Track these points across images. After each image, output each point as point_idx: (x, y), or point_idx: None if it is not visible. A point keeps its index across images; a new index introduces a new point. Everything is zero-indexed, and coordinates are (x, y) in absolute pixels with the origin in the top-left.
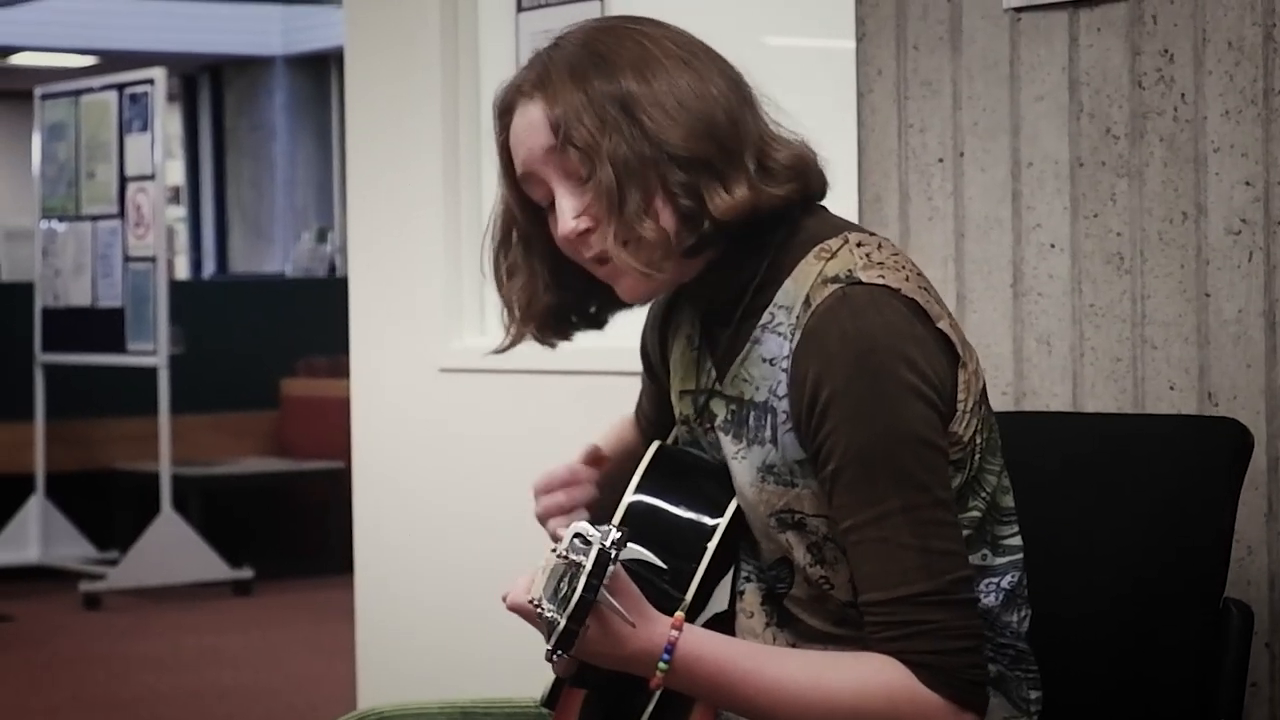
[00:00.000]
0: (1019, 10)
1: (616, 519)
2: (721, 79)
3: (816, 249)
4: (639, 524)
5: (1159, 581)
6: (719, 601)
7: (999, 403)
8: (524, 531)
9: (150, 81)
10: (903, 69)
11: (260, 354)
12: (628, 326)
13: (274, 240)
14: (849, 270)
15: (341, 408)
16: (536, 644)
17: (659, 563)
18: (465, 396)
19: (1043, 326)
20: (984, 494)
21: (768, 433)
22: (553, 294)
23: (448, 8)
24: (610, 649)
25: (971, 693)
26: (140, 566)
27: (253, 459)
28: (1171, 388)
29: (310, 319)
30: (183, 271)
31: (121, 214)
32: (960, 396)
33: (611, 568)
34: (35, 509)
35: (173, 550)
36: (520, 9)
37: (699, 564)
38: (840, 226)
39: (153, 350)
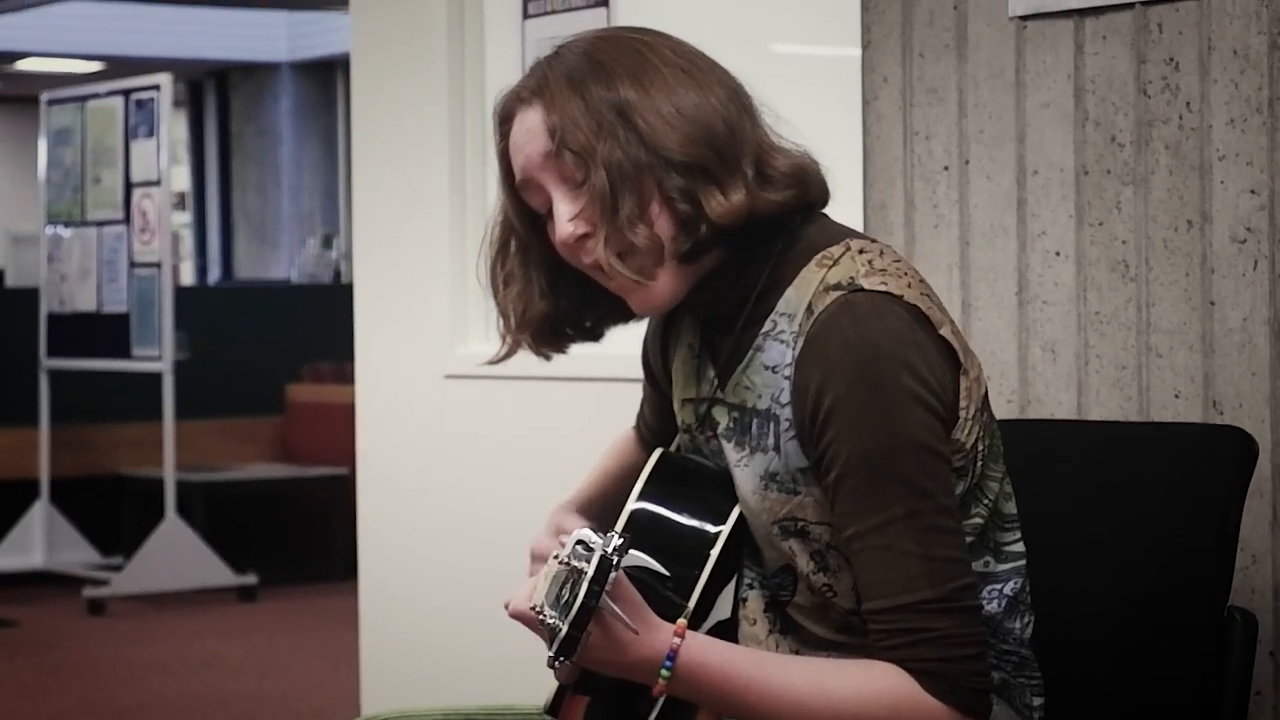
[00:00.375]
0: (1025, 18)
1: (619, 526)
2: (721, 88)
3: (818, 256)
4: (642, 531)
5: (1163, 589)
6: (722, 609)
7: (1004, 410)
8: (527, 538)
9: (156, 87)
10: (908, 76)
11: (265, 360)
12: (631, 333)
13: (279, 246)
14: (851, 277)
15: (346, 414)
16: (539, 650)
17: (662, 570)
18: (470, 402)
19: (1048, 334)
20: (986, 501)
21: (770, 440)
22: (548, 303)
23: (453, 14)
24: (613, 656)
25: (975, 700)
26: (145, 572)
27: (257, 465)
28: (1176, 395)
29: (315, 325)
30: (188, 277)
31: (127, 219)
32: (962, 404)
33: (613, 574)
34: (40, 514)
35: (177, 556)
36: (526, 16)
37: (702, 571)
38: (841, 234)
39: (158, 356)
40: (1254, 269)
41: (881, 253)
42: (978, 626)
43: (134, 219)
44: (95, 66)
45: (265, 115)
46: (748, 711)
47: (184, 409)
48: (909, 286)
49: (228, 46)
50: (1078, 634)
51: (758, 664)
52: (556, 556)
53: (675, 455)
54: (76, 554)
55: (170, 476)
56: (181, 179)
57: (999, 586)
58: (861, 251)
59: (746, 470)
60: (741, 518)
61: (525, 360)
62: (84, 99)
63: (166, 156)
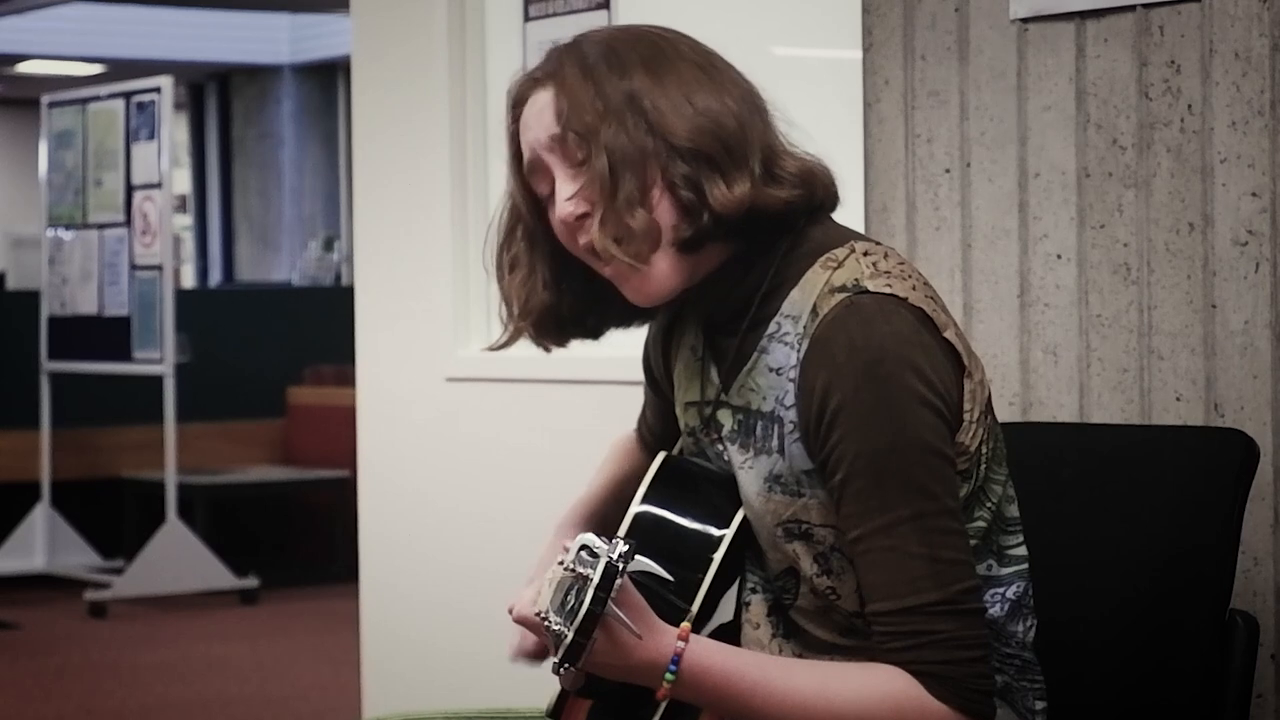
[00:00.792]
0: (1026, 21)
1: (623, 530)
2: (736, 89)
3: (823, 258)
4: (645, 535)
5: (1165, 592)
6: (725, 612)
7: (1006, 413)
8: (530, 541)
9: (157, 90)
10: (910, 79)
11: (266, 363)
12: (632, 336)
13: (281, 249)
14: (856, 279)
15: (348, 416)
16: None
17: (666, 575)
18: (472, 405)
19: (1049, 337)
20: (990, 504)
21: (775, 442)
22: (551, 295)
23: (455, 17)
24: (617, 660)
25: (979, 702)
26: (146, 575)
27: (259, 468)
28: (1178, 398)
29: (317, 328)
30: (189, 280)
31: (128, 222)
32: (966, 406)
33: (618, 581)
34: (41, 517)
35: (178, 559)
36: (527, 18)
37: (705, 574)
38: (846, 236)
39: (159, 358)
40: (1255, 272)
41: (886, 255)
42: (982, 629)
43: (135, 222)
44: (96, 69)
45: (267, 118)
46: (751, 715)
47: (185, 412)
48: (913, 289)
49: (229, 49)
50: (1079, 637)
51: (761, 667)
52: (561, 562)
53: (679, 459)
54: (78, 557)
55: (171, 479)
56: (183, 182)
57: (1002, 590)
58: (866, 254)
59: (751, 472)
60: (745, 521)
61: (526, 363)
62: (85, 101)
63: (168, 159)
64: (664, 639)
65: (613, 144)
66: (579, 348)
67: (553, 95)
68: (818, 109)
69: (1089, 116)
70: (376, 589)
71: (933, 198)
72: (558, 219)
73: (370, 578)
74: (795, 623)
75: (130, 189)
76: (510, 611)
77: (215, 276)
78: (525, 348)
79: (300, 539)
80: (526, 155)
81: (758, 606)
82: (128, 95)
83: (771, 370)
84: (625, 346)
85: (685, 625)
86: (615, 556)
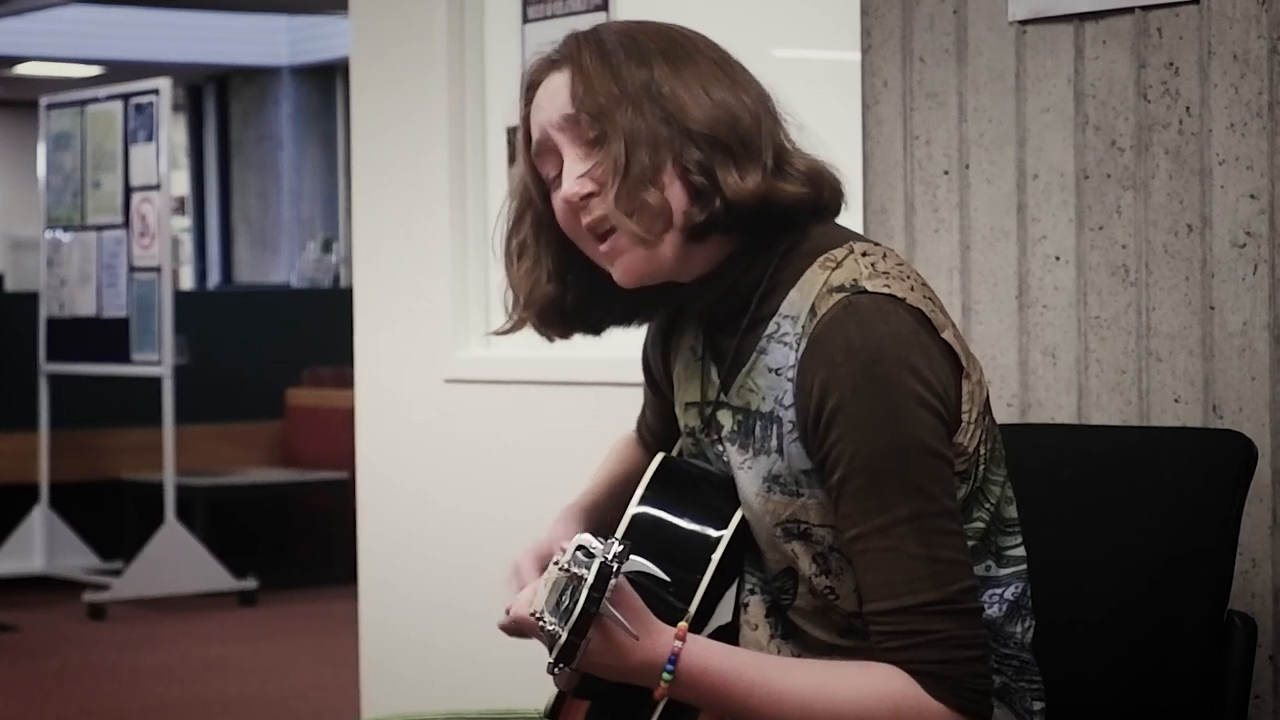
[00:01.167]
0: (1025, 22)
1: (620, 531)
2: (751, 88)
3: (821, 259)
4: (643, 535)
5: (1163, 593)
6: (723, 613)
7: (1004, 414)
8: (528, 542)
9: (156, 91)
10: (908, 81)
11: (265, 364)
12: (632, 336)
13: (279, 251)
14: (854, 279)
15: (346, 418)
16: (539, 654)
17: (662, 575)
18: (470, 407)
19: (1048, 338)
20: (988, 505)
21: (773, 442)
22: (555, 287)
23: (453, 18)
24: (613, 660)
25: (977, 702)
26: (144, 577)
27: (257, 469)
28: (1176, 400)
29: (315, 329)
30: (187, 282)
31: (126, 224)
32: (965, 407)
33: (613, 581)
34: (39, 519)
35: (177, 560)
36: (525, 20)
37: (703, 575)
38: (845, 236)
39: (157, 360)
40: (1254, 273)
41: (885, 256)
42: (980, 629)
43: (133, 223)
44: (95, 71)
45: (265, 120)
46: (749, 714)
47: (184, 413)
48: (912, 289)
49: (227, 51)
50: (1078, 638)
51: (759, 667)
52: (557, 562)
53: (677, 460)
54: (76, 559)
55: (170, 481)
56: (181, 183)
57: (1000, 591)
58: (865, 254)
59: (750, 473)
60: (743, 522)
61: (525, 365)
62: (83, 103)
63: (166, 161)
64: (661, 638)
65: (628, 126)
66: (577, 349)
67: (569, 77)
68: (816, 110)
69: (1087, 118)
70: (375, 590)
71: (931, 199)
72: (561, 197)
73: (369, 579)
74: (794, 624)
75: (129, 191)
76: (507, 612)
77: (214, 278)
78: (523, 349)
79: (299, 540)
80: (536, 135)
81: (756, 607)
82: (126, 97)
83: (770, 370)
84: (623, 348)
85: (683, 625)
86: (610, 557)
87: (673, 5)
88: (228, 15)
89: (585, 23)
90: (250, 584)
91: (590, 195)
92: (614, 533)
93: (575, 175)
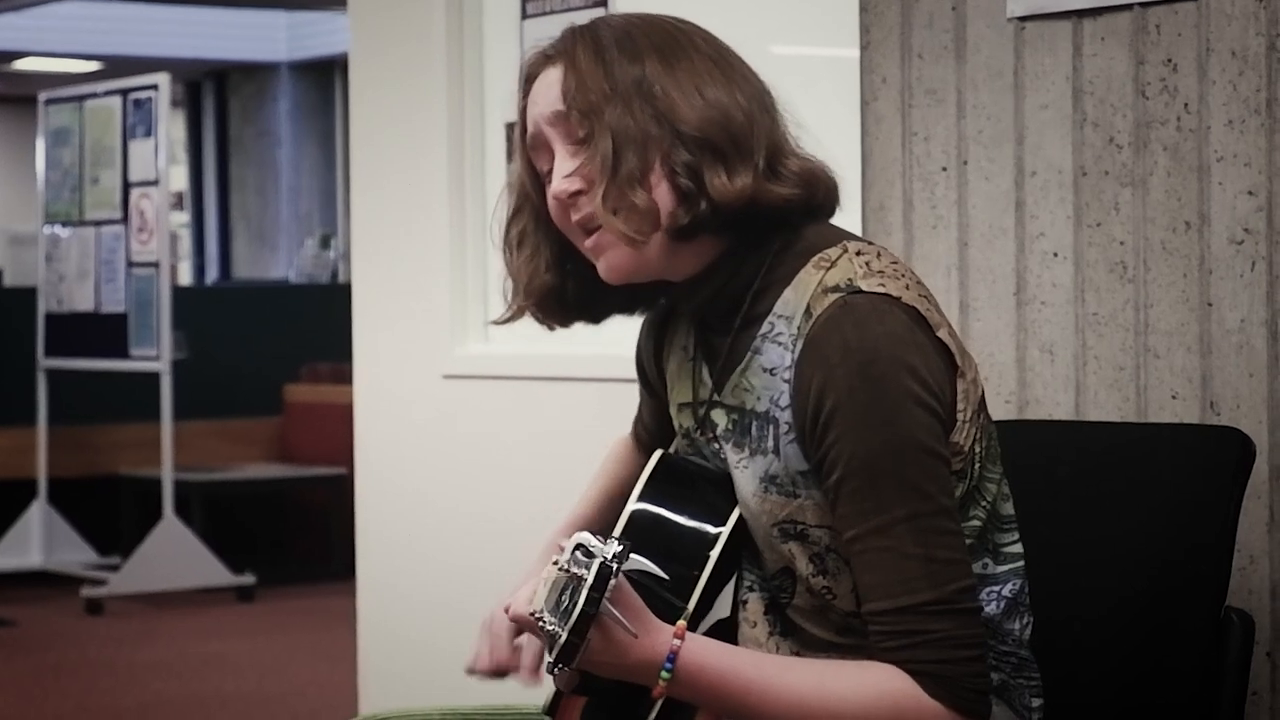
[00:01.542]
0: (1023, 19)
1: (619, 528)
2: (747, 85)
3: (815, 258)
4: (641, 533)
5: (1161, 590)
6: (721, 609)
7: (1002, 411)
8: (527, 538)
9: (154, 87)
10: (907, 77)
11: (263, 360)
12: (631, 332)
13: (278, 246)
14: (849, 279)
15: (345, 414)
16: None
17: (661, 574)
18: (468, 403)
19: (1046, 335)
20: (985, 503)
21: (770, 443)
22: (554, 276)
23: (452, 15)
24: (612, 658)
25: (975, 701)
26: (142, 572)
27: (255, 465)
28: (1174, 397)
29: (314, 325)
30: (186, 277)
31: (125, 219)
32: (960, 406)
33: (613, 581)
34: (37, 514)
35: (175, 556)
36: (524, 16)
37: (701, 572)
38: (839, 236)
39: (156, 356)
40: (1251, 270)
41: (879, 255)
42: (978, 628)
43: (132, 219)
44: (93, 66)
45: (264, 115)
46: (747, 713)
47: (182, 409)
48: (906, 288)
49: (226, 47)
50: (1075, 635)
51: (757, 665)
52: (556, 562)
53: (675, 456)
54: (74, 554)
55: (168, 476)
56: (179, 179)
57: (997, 588)
58: (859, 253)
59: (746, 472)
60: (741, 519)
61: (524, 361)
62: (82, 99)
63: (165, 156)
64: (660, 637)
65: (616, 125)
66: (576, 345)
67: (562, 72)
68: (815, 107)
69: (1086, 115)
70: (373, 586)
71: (929, 196)
72: (552, 194)
73: (367, 575)
74: (792, 621)
75: (127, 186)
76: (506, 611)
77: (212, 274)
78: (522, 344)
79: (297, 536)
80: (530, 129)
81: (754, 605)
82: (125, 92)
83: (765, 370)
84: (622, 344)
85: (681, 623)
86: (609, 556)
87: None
88: (227, 11)
89: (584, 19)
90: (248, 579)
91: (578, 193)
92: (613, 530)
93: (564, 173)
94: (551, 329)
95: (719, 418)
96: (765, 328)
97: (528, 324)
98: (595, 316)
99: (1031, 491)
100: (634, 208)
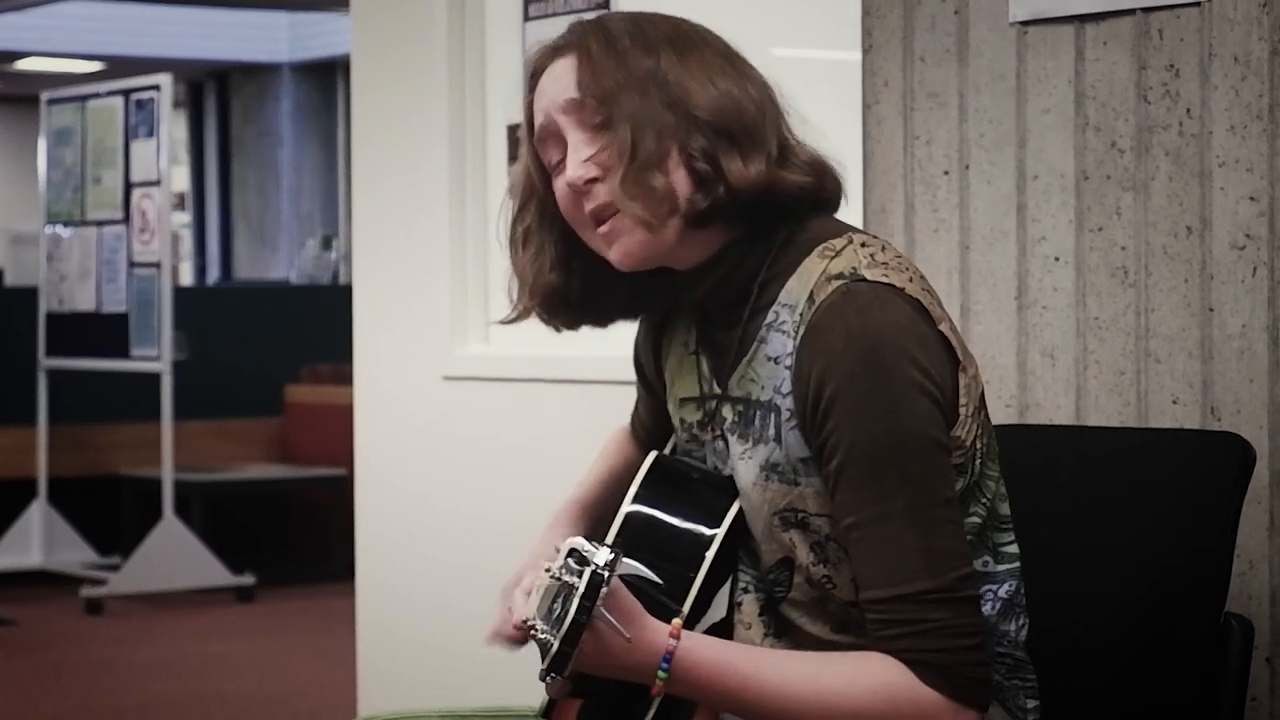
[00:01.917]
0: (1026, 23)
1: (614, 530)
2: (755, 81)
3: (820, 248)
4: (637, 535)
5: (1160, 595)
6: (717, 610)
7: (1002, 415)
8: (526, 539)
9: (156, 87)
10: (909, 81)
11: (264, 360)
12: (631, 335)
13: (279, 247)
14: (854, 268)
15: (345, 415)
16: (535, 652)
17: (655, 578)
18: (469, 404)
19: (1047, 339)
20: (984, 500)
21: (771, 431)
22: (559, 276)
23: (454, 16)
24: (608, 661)
25: (973, 690)
26: (142, 572)
27: (256, 465)
28: (1175, 402)
29: (314, 326)
30: (187, 278)
31: (126, 220)
32: (962, 400)
33: (605, 589)
34: (37, 514)
35: (175, 556)
36: (526, 18)
37: (697, 573)
38: (844, 228)
39: (156, 356)
40: (1253, 275)
41: (883, 248)
42: (977, 617)
43: (133, 219)
44: (95, 66)
45: (266, 116)
46: (745, 708)
47: (182, 409)
48: (910, 280)
49: (228, 47)
50: (1075, 639)
51: (753, 661)
52: (548, 570)
53: (669, 458)
54: (74, 554)
55: (168, 477)
56: (181, 179)
57: (995, 588)
58: (864, 245)
59: (749, 462)
60: (737, 519)
61: (524, 363)
62: (84, 99)
63: (166, 157)
64: (656, 637)
65: (634, 111)
66: (576, 347)
67: (574, 62)
68: (817, 110)
69: (1088, 119)
70: (373, 587)
71: (931, 199)
72: (565, 182)
73: (367, 576)
74: (787, 620)
75: (129, 186)
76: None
77: (213, 274)
78: (522, 346)
79: (297, 537)
80: (539, 120)
81: (750, 606)
82: (127, 93)
83: (770, 359)
84: (622, 345)
85: (677, 623)
86: (601, 565)
87: (673, 4)
88: (229, 11)
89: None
90: (248, 580)
91: (594, 180)
92: (609, 529)
93: (580, 159)
94: (559, 330)
95: (727, 412)
96: (770, 317)
97: (528, 325)
98: (601, 318)
99: (1032, 496)
100: (652, 191)
